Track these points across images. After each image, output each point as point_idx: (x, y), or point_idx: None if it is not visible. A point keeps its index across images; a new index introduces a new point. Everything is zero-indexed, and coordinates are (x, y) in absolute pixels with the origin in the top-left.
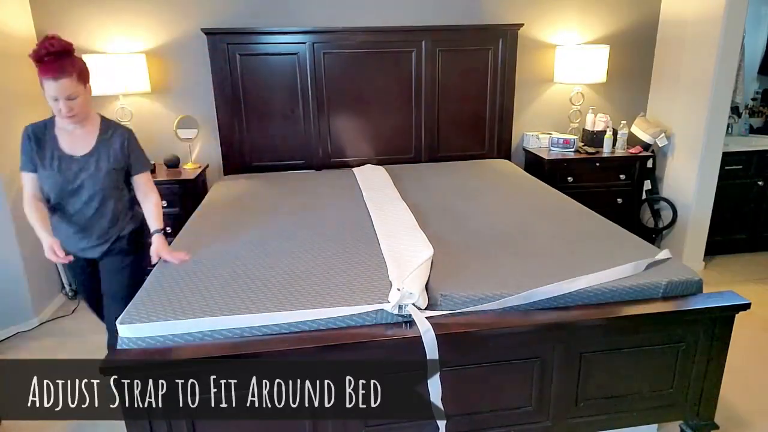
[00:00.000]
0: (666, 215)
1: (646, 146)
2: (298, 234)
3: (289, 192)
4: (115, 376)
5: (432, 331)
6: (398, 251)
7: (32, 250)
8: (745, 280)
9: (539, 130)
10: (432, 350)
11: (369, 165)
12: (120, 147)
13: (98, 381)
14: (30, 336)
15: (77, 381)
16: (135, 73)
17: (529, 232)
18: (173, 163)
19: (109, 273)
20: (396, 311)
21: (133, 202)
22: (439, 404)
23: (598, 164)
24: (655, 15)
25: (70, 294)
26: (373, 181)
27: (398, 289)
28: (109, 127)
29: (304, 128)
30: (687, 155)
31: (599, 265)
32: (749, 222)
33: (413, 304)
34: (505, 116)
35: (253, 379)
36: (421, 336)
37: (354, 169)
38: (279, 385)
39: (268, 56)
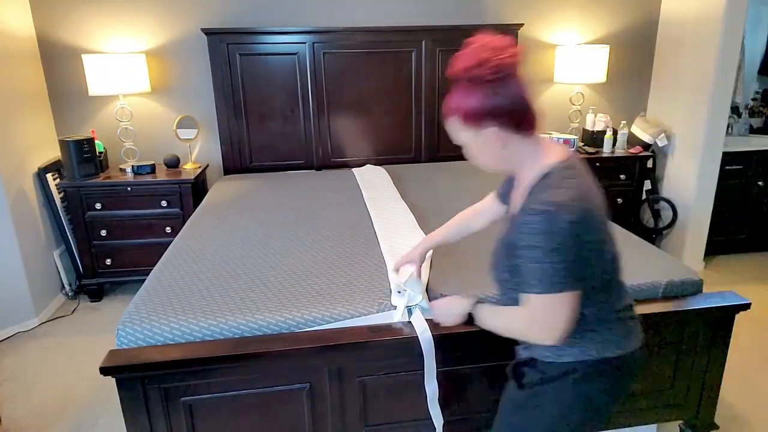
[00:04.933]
0: (666, 215)
1: (646, 146)
2: (298, 234)
3: (289, 192)
4: (116, 376)
5: (429, 331)
6: (398, 251)
7: (32, 250)
8: (745, 280)
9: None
10: (429, 351)
11: (369, 165)
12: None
13: (98, 380)
14: (30, 336)
15: (77, 380)
16: (135, 73)
17: None
18: (173, 163)
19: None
20: (406, 318)
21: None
22: (437, 405)
23: (598, 164)
24: (655, 15)
25: (70, 294)
26: (373, 181)
27: (399, 292)
28: (537, 189)
29: (304, 128)
30: (687, 155)
31: None
32: (749, 222)
33: (418, 305)
34: None
35: (253, 379)
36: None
37: (354, 170)
38: (279, 385)
39: (268, 56)
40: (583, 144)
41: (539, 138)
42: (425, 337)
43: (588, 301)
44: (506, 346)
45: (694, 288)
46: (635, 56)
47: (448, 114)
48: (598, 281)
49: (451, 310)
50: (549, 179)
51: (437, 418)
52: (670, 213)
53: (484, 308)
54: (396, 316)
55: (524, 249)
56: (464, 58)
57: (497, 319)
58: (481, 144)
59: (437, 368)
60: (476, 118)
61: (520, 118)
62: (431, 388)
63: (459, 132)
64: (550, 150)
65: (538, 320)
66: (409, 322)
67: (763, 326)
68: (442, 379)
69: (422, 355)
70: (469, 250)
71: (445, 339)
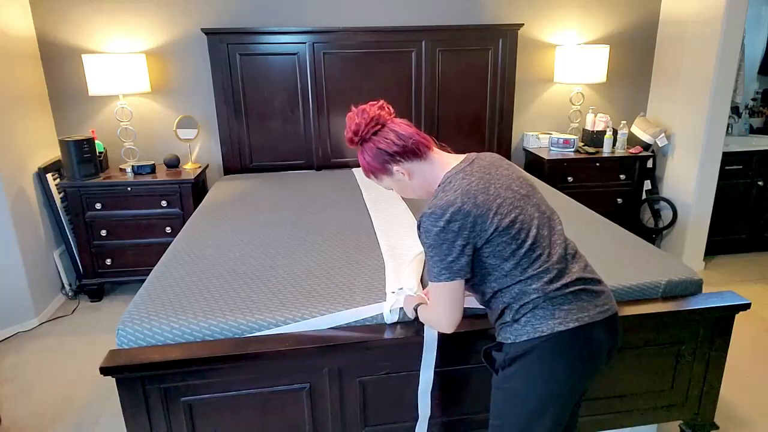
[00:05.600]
0: (666, 215)
1: (646, 146)
2: (298, 234)
3: (289, 192)
4: (116, 376)
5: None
6: (398, 251)
7: (32, 250)
8: (745, 280)
9: (539, 130)
10: (431, 341)
11: None
12: None
13: (98, 380)
14: (30, 336)
15: (77, 380)
16: (135, 73)
17: None
18: (173, 163)
19: None
20: (394, 319)
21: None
22: (428, 397)
23: (598, 164)
24: (655, 15)
25: (70, 294)
26: (373, 181)
27: (392, 292)
28: (433, 196)
29: (304, 128)
30: (687, 155)
31: (597, 265)
32: (749, 222)
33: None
34: (505, 116)
35: (253, 379)
36: (423, 336)
37: (354, 169)
38: (279, 385)
39: (268, 56)
40: (583, 144)
41: (436, 156)
42: (430, 333)
43: (508, 282)
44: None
45: (694, 288)
46: (635, 56)
47: (365, 174)
48: (510, 264)
49: (409, 305)
50: (441, 186)
51: (423, 410)
52: (670, 213)
53: (422, 306)
54: (385, 315)
55: (423, 246)
56: (347, 131)
57: (425, 312)
58: (399, 182)
59: (439, 366)
60: (380, 168)
61: (408, 149)
62: (426, 377)
63: (381, 183)
64: (447, 161)
65: (432, 305)
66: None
67: (763, 326)
68: (443, 379)
69: (422, 351)
70: None
71: (446, 338)
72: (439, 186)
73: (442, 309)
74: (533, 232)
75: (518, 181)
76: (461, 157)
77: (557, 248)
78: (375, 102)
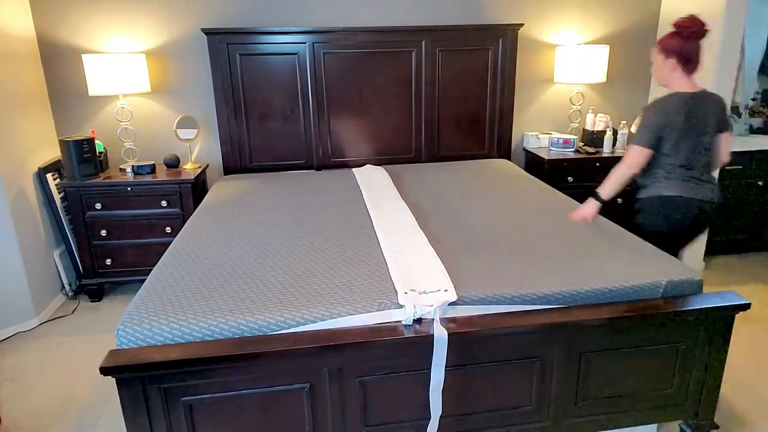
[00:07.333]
0: None
1: None
2: (298, 234)
3: (289, 192)
4: (116, 376)
5: (440, 326)
6: (398, 251)
7: (32, 250)
8: (745, 280)
9: (539, 130)
10: (441, 342)
11: (369, 165)
12: None
13: (98, 380)
14: (30, 336)
15: (77, 380)
16: (135, 73)
17: (530, 232)
18: (173, 163)
19: None
20: (411, 320)
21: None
22: (439, 395)
23: (598, 164)
24: (655, 15)
25: (70, 294)
26: (373, 181)
27: (405, 293)
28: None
29: (304, 128)
30: None
31: (598, 265)
32: (749, 222)
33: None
34: (505, 116)
35: (253, 379)
36: (432, 335)
37: (354, 169)
38: (279, 385)
39: (268, 56)
40: (583, 144)
41: (687, 77)
42: (439, 330)
43: (655, 162)
44: (510, 347)
45: (694, 288)
46: (635, 56)
47: (656, 46)
48: (660, 152)
49: (583, 210)
50: (670, 93)
51: (435, 408)
52: None
53: (602, 188)
54: (406, 317)
55: None
56: (681, 24)
57: (613, 174)
58: (661, 66)
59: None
60: (668, 51)
61: (688, 62)
62: (437, 375)
63: (655, 56)
64: (683, 85)
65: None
66: (413, 322)
67: (763, 326)
68: (445, 378)
69: (426, 353)
70: (469, 249)
71: (452, 338)
72: (670, 91)
73: (627, 158)
74: (679, 146)
75: (703, 122)
76: (693, 89)
77: (693, 162)
78: (694, 22)
